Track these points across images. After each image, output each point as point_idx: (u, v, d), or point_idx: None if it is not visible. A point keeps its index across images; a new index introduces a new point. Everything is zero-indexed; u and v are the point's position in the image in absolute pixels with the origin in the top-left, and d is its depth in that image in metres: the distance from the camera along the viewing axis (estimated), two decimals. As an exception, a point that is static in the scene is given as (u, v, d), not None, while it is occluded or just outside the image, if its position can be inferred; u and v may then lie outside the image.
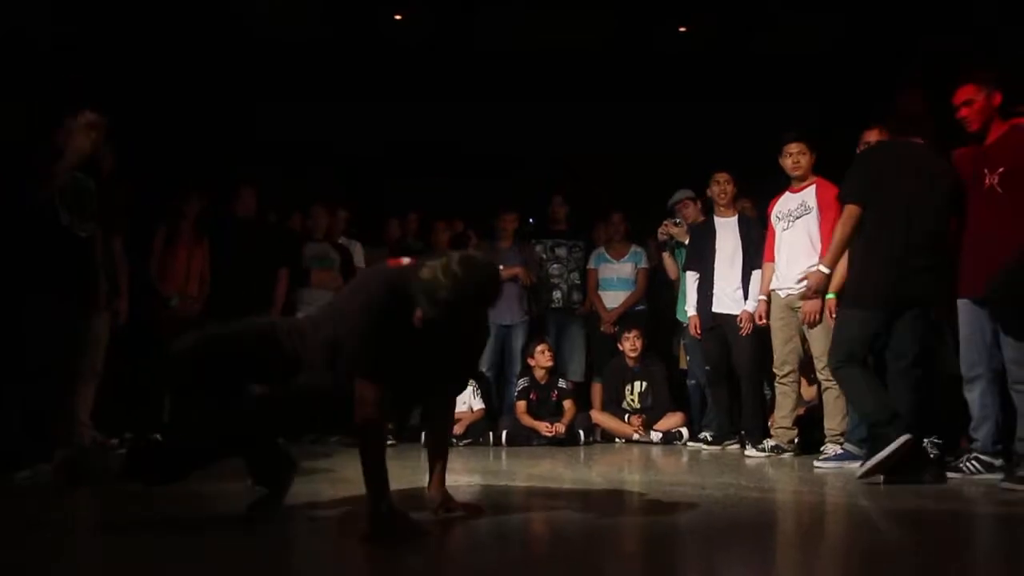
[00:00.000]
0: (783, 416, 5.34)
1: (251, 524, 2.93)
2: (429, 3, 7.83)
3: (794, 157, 5.19)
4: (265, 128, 7.83)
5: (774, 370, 5.37)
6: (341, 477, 4.06)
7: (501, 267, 6.66)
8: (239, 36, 7.70)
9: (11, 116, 4.45)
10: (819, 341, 4.89)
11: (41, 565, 2.37)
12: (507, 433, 6.17)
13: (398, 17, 8.06)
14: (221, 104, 7.60)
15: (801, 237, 5.12)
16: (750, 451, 5.44)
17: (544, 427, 6.13)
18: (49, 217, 4.13)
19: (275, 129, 7.84)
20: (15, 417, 3.93)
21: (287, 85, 7.86)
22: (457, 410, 6.16)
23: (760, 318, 5.49)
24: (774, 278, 5.34)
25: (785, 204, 5.28)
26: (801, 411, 5.48)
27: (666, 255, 6.60)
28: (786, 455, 5.25)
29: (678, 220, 6.38)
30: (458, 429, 6.13)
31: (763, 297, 5.48)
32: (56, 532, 2.86)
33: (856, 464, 4.52)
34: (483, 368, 6.68)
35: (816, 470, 4.56)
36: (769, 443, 5.33)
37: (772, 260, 5.38)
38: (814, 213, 5.08)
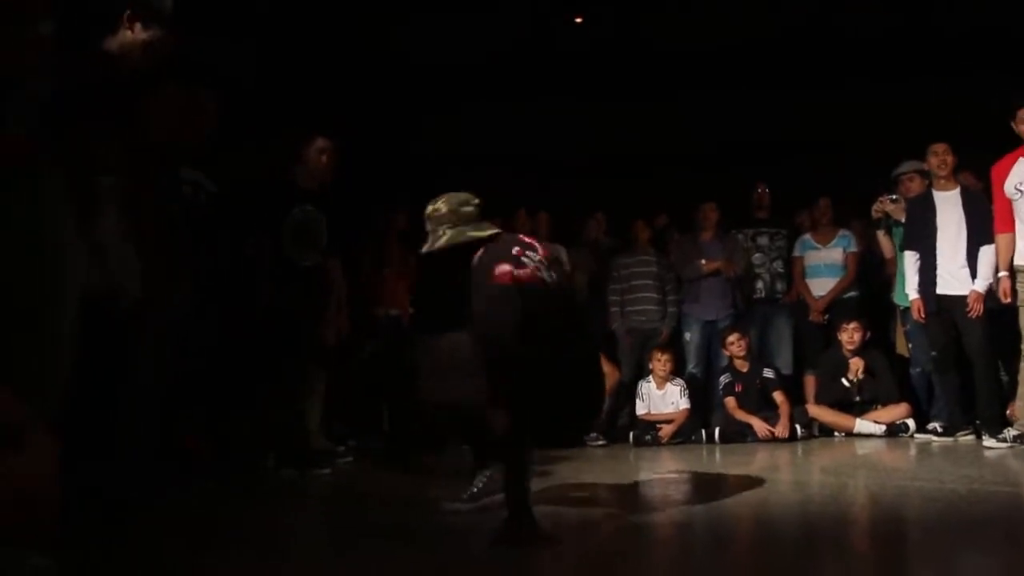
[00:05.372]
0: None
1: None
2: (609, 3, 7.77)
3: None
4: (465, 139, 8.04)
5: None
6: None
7: (703, 261, 6.58)
8: (428, 52, 7.97)
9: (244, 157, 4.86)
10: None
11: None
12: (720, 430, 6.02)
13: (579, 20, 8.08)
14: (418, 119, 7.90)
15: None
16: (988, 442, 5.03)
17: (760, 425, 5.91)
18: (274, 249, 4.49)
19: (474, 140, 8.02)
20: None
21: (483, 95, 8.04)
22: (666, 411, 6.16)
23: (1005, 295, 5.03)
24: (1020, 253, 4.90)
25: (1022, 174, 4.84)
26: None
27: (881, 233, 6.22)
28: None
29: (894, 196, 6.00)
30: (670, 430, 6.03)
31: (1005, 273, 5.03)
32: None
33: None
34: (691, 366, 6.56)
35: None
36: (1011, 432, 4.90)
37: (1010, 231, 4.97)
38: None
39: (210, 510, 3.48)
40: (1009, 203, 5.00)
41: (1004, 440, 4.91)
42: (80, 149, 2.53)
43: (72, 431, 2.54)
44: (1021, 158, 4.92)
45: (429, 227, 3.09)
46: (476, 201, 3.08)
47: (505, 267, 2.80)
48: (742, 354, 6.24)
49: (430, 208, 3.10)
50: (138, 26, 2.71)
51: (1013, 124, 4.93)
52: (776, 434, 5.91)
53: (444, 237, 3.00)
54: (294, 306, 4.51)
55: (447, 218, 3.03)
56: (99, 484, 2.84)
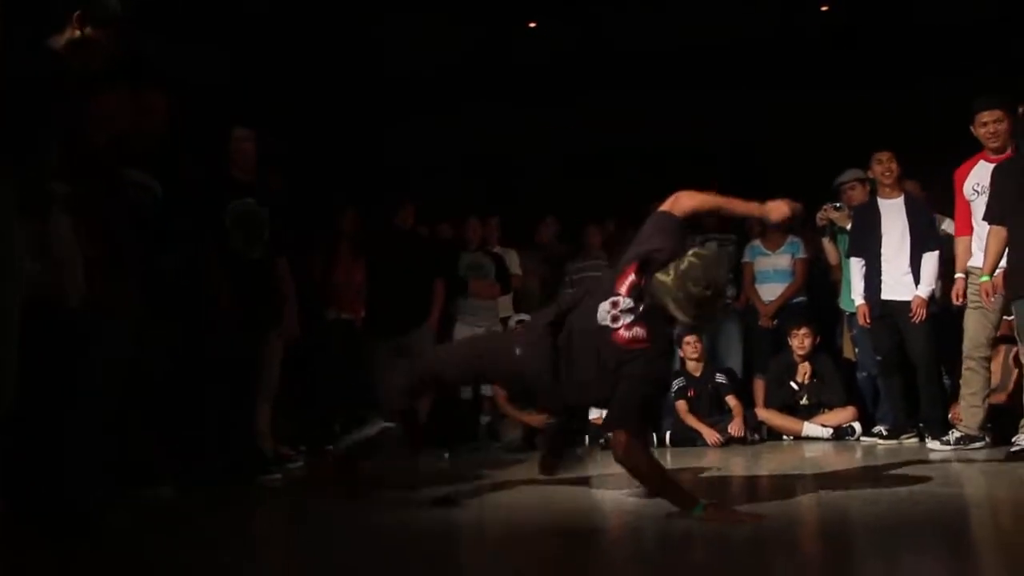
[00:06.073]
0: (972, 394, 4.93)
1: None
2: (561, 6, 7.84)
3: (989, 127, 4.88)
4: (415, 144, 8.03)
5: (969, 352, 4.94)
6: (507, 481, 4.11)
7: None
8: (387, 61, 7.96)
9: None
10: None
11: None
12: (671, 434, 6.07)
13: (532, 25, 8.13)
14: (369, 125, 7.86)
15: None
16: (932, 444, 5.14)
17: (710, 434, 5.95)
18: (221, 241, 4.41)
19: (424, 145, 8.01)
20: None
21: (431, 101, 8.04)
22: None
23: (958, 297, 5.10)
24: (975, 256, 4.94)
25: (984, 177, 4.90)
26: (1002, 398, 5.11)
27: (826, 241, 6.34)
28: (976, 446, 4.89)
29: (839, 204, 6.11)
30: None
31: (960, 275, 5.09)
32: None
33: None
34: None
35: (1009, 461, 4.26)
36: (954, 435, 5.01)
37: (968, 234, 5.03)
38: None
39: (159, 517, 3.43)
40: (968, 206, 5.04)
41: (947, 443, 4.99)
42: (30, 152, 2.48)
43: (18, 437, 2.49)
44: (981, 161, 4.99)
45: (690, 252, 3.08)
46: (707, 294, 3.01)
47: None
48: (696, 356, 6.30)
49: (704, 253, 3.11)
50: (88, 28, 2.66)
51: (972, 128, 4.99)
52: (731, 431, 5.98)
53: (670, 276, 3.02)
54: (246, 302, 4.43)
55: (683, 273, 3.00)
56: (49, 492, 2.79)
